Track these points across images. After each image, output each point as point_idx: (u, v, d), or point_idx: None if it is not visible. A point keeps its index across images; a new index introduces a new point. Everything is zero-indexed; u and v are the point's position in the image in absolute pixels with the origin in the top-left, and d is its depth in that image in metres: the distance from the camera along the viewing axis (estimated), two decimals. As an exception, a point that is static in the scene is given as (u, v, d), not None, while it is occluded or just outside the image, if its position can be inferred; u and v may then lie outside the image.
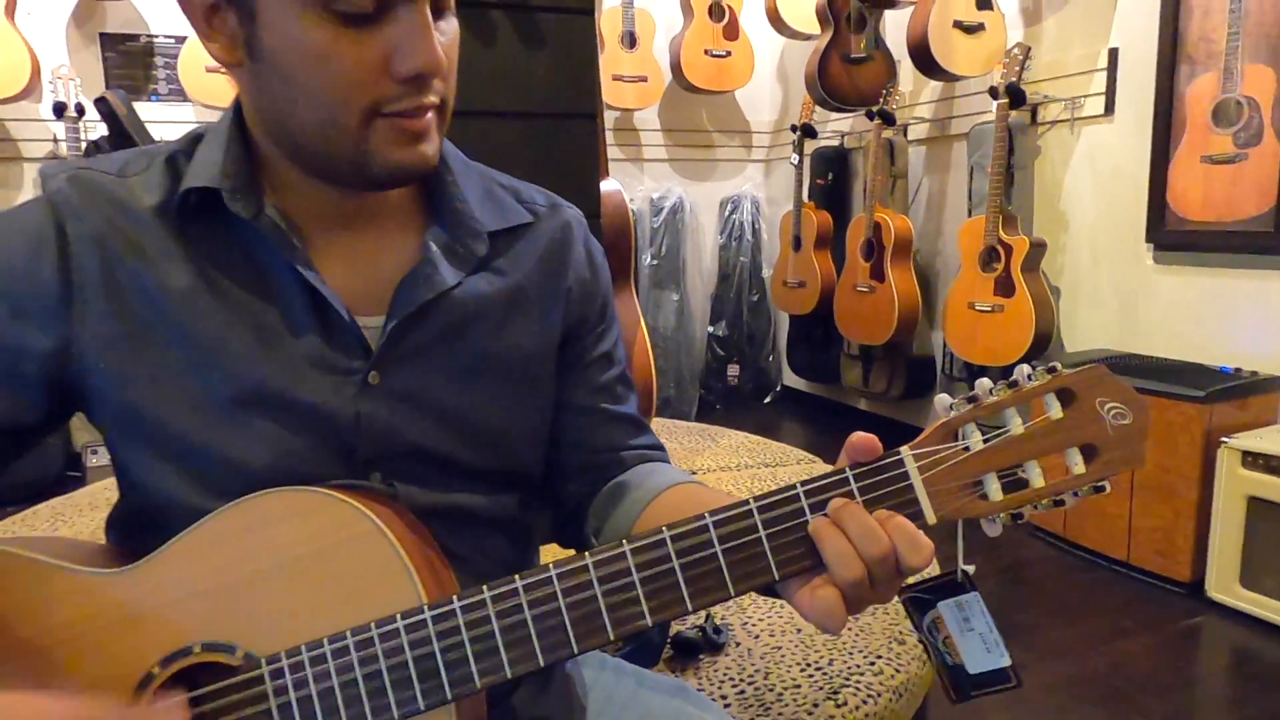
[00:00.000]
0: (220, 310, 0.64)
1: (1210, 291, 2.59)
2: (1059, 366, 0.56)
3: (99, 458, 3.16)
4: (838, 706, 0.98)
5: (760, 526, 0.56)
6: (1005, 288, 2.82)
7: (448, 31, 0.62)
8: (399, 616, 0.57)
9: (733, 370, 4.59)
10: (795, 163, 3.99)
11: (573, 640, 0.56)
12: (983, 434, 0.56)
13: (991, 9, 3.04)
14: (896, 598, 0.62)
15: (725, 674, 1.05)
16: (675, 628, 1.11)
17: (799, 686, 1.01)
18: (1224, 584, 2.24)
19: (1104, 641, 2.13)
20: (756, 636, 1.13)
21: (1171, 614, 2.25)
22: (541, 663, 0.56)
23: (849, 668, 1.05)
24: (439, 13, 0.61)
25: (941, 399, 0.57)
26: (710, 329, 4.58)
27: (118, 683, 0.57)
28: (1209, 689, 2.01)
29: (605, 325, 0.81)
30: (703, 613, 1.16)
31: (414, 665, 0.56)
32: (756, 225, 4.60)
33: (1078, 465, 0.56)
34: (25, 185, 3.55)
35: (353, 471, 0.67)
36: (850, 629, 1.15)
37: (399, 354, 0.68)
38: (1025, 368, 0.56)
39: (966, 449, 0.55)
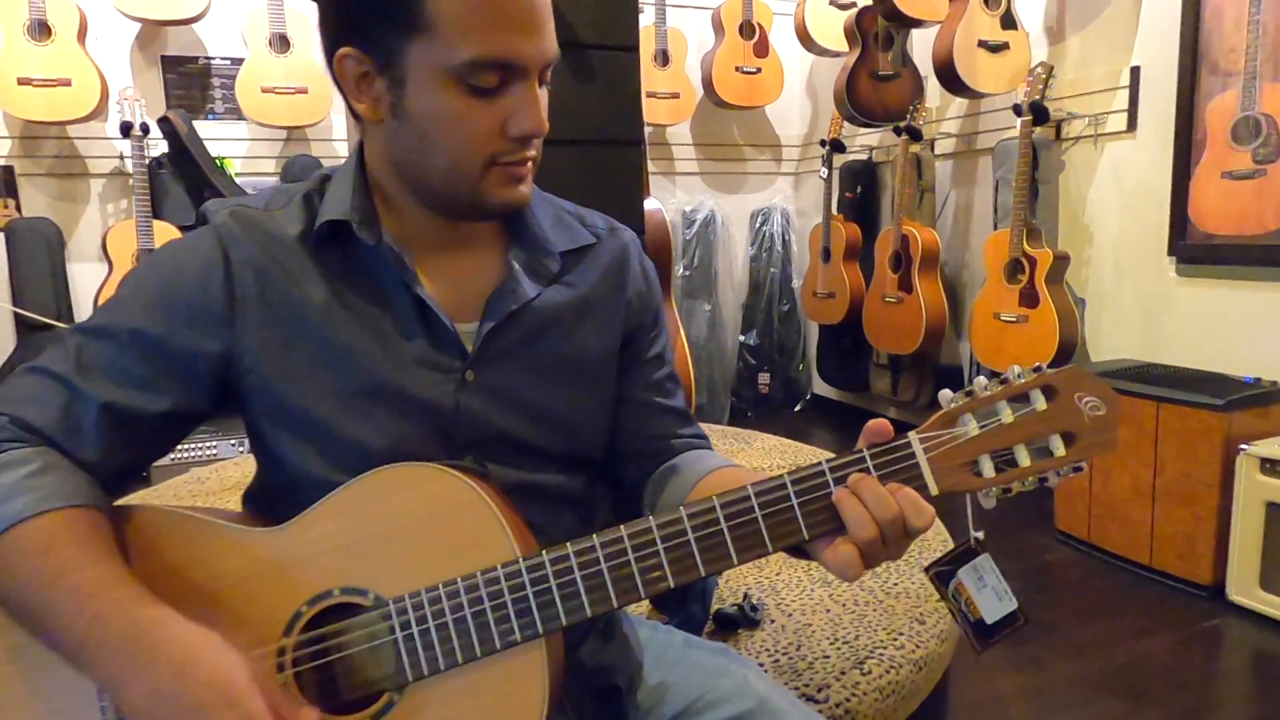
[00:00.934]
0: (349, 320, 0.78)
1: (1232, 303, 2.66)
2: (1043, 366, 0.67)
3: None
4: (863, 675, 1.09)
5: (793, 496, 0.68)
6: (1030, 299, 2.91)
7: (543, 98, 0.76)
8: (499, 567, 0.69)
9: (764, 378, 4.69)
10: (824, 176, 4.09)
11: (640, 587, 0.68)
12: (979, 423, 0.68)
13: (1015, 28, 3.14)
14: (924, 575, 0.74)
15: (761, 645, 1.16)
16: (716, 605, 1.22)
17: (828, 657, 1.12)
18: (1244, 587, 2.31)
19: (1126, 640, 2.20)
20: (790, 615, 1.24)
21: (1192, 615, 2.32)
22: (615, 605, 0.68)
23: (874, 642, 1.16)
24: (540, 83, 0.75)
25: (944, 393, 0.69)
26: (741, 338, 4.69)
27: (271, 619, 0.70)
28: (1228, 686, 2.08)
29: (657, 331, 0.94)
30: (740, 592, 1.28)
31: (512, 606, 0.69)
32: (787, 237, 4.71)
33: (1059, 449, 0.67)
34: (92, 200, 3.74)
35: (451, 453, 0.79)
36: (875, 609, 1.25)
37: (490, 355, 0.81)
38: (1016, 367, 0.68)
39: (964, 434, 0.67)
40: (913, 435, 0.67)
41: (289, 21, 3.61)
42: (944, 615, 1.25)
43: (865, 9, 3.60)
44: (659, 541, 0.68)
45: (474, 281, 0.83)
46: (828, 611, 1.25)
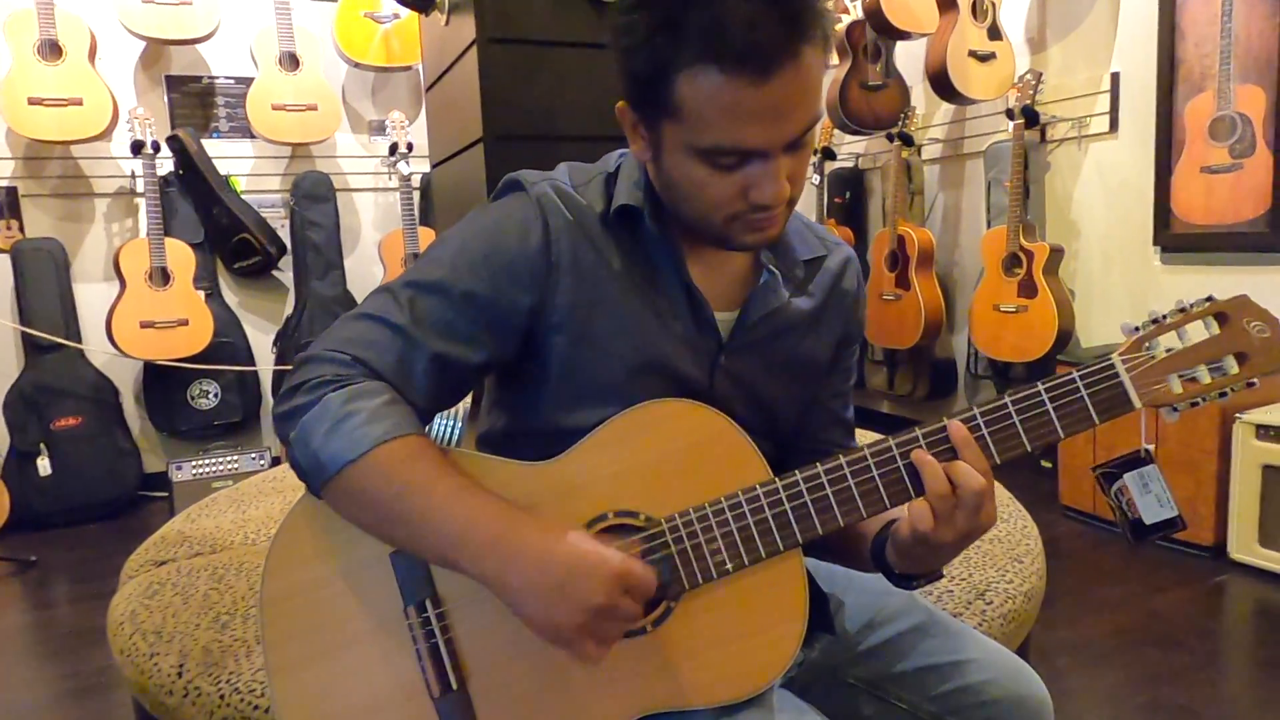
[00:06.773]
0: (635, 294, 0.87)
1: (1214, 287, 2.83)
2: (1215, 296, 0.80)
3: (183, 473, 3.34)
4: (986, 604, 1.22)
5: (1014, 412, 0.80)
6: (1028, 290, 3.10)
7: (802, 159, 0.80)
8: (758, 486, 0.80)
9: (758, 380, 4.83)
10: (815, 183, 4.28)
11: (885, 497, 0.80)
12: (1165, 347, 0.81)
13: (1001, 39, 3.36)
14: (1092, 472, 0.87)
15: (888, 586, 1.28)
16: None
17: (952, 591, 1.25)
18: (1244, 545, 2.50)
19: (1143, 597, 2.38)
20: (902, 561, 1.37)
21: (1200, 573, 2.51)
22: (864, 514, 0.80)
23: (986, 578, 1.29)
24: (798, 146, 0.78)
25: (1126, 325, 0.82)
26: (735, 341, 4.82)
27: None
28: (1239, 633, 2.27)
29: (854, 347, 1.03)
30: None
31: (773, 520, 0.80)
32: (775, 243, 4.87)
33: (1233, 368, 0.80)
34: (96, 219, 3.73)
35: None
36: (976, 553, 1.39)
37: (739, 345, 0.91)
38: (1186, 299, 0.81)
39: (1156, 356, 0.80)
40: (1115, 357, 0.80)
41: (298, 40, 3.66)
42: (1036, 555, 1.39)
43: (854, 22, 3.80)
44: (898, 460, 0.80)
45: (728, 276, 0.92)
46: (934, 557, 1.38)
